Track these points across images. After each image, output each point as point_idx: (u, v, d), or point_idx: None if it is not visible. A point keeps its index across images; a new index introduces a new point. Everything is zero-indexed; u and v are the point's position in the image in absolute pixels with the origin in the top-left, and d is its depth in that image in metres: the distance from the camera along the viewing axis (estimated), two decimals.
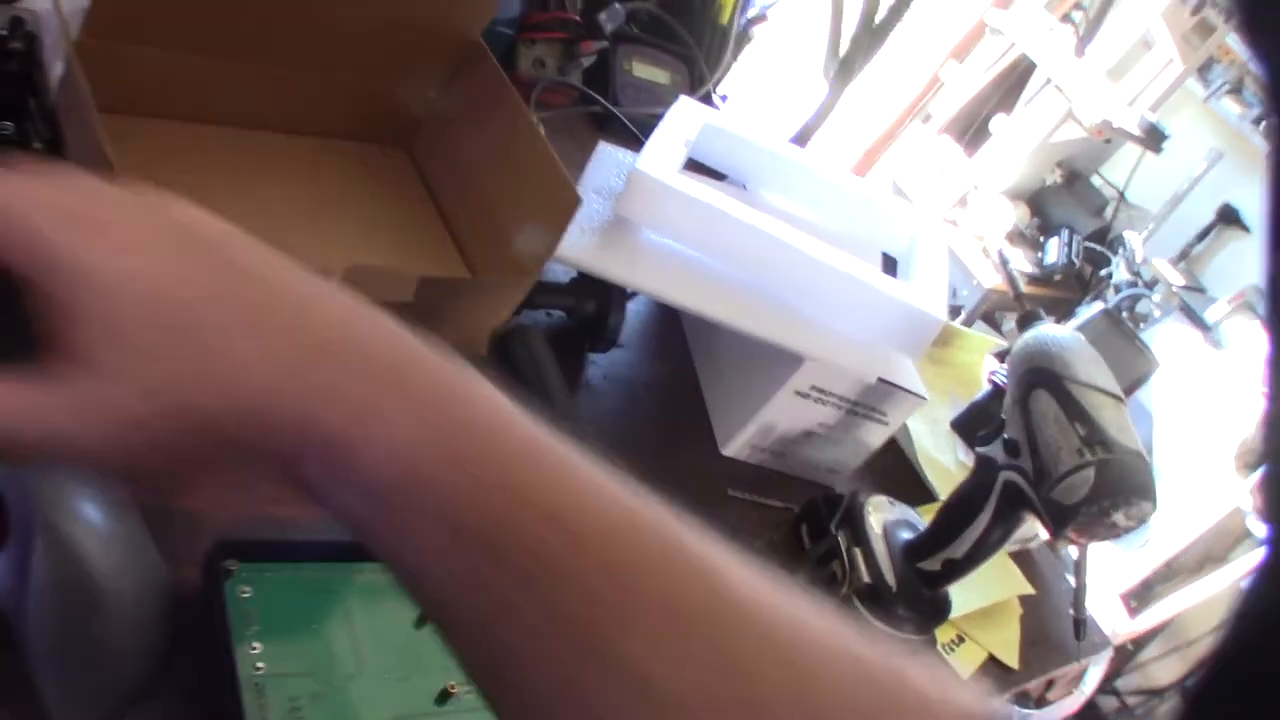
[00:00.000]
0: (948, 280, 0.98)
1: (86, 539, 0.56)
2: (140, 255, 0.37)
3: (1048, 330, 0.85)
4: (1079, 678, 1.33)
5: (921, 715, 0.37)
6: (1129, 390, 1.17)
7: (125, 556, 0.58)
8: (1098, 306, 1.16)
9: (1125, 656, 2.84)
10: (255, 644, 0.57)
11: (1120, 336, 1.16)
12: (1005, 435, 0.84)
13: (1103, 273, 2.67)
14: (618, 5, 1.19)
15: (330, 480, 0.37)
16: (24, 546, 0.53)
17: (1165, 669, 2.84)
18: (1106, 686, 2.85)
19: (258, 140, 0.87)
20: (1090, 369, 0.82)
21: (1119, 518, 0.78)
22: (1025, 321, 0.90)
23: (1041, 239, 2.67)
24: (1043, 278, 2.59)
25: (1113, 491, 0.76)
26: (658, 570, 0.39)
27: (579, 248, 0.86)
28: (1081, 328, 1.15)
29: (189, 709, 0.57)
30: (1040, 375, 0.81)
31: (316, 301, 0.40)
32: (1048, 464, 0.79)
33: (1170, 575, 2.46)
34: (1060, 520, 0.78)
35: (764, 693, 0.36)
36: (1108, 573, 2.33)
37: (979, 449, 0.87)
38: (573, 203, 0.78)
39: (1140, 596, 2.41)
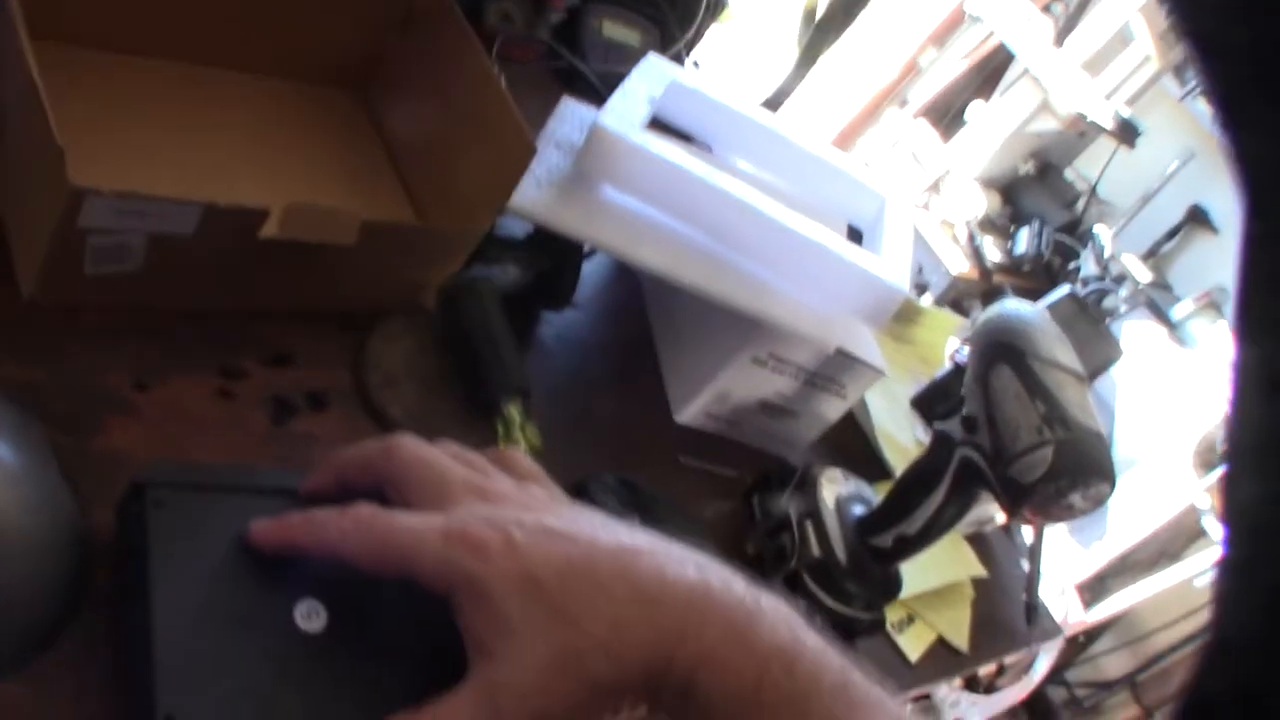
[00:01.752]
0: (912, 254, 0.96)
1: None
2: (512, 556, 0.49)
3: (1013, 306, 0.83)
4: (1029, 665, 1.32)
5: None
6: (1092, 376, 1.16)
7: (32, 495, 0.55)
8: (1065, 288, 1.14)
9: (1076, 648, 2.86)
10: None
11: (1086, 321, 1.15)
12: (964, 411, 0.82)
13: (1071, 265, 2.67)
14: None
15: (682, 704, 0.49)
16: None
17: (1116, 662, 2.86)
18: (1057, 677, 2.86)
19: (205, 76, 0.84)
20: (1054, 346, 0.80)
21: (1076, 499, 0.76)
22: (990, 297, 0.88)
23: (1012, 228, 2.66)
24: (1012, 266, 2.58)
25: (1071, 471, 0.74)
26: None
27: (535, 201, 0.83)
28: (1048, 308, 1.13)
29: (98, 653, 0.54)
30: (1003, 350, 0.79)
31: (668, 566, 0.50)
32: (1006, 441, 0.77)
33: (1124, 569, 2.48)
34: (1016, 499, 0.76)
35: None
36: (1063, 564, 2.33)
37: (936, 425, 0.85)
38: (528, 153, 0.75)
39: (1094, 589, 2.42)
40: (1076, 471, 0.74)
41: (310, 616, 0.55)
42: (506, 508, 0.53)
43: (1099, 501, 0.77)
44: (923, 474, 0.84)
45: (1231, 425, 0.33)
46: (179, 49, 0.82)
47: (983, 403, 0.80)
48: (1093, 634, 2.84)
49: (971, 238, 2.44)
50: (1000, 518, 1.22)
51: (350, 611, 0.55)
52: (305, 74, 0.88)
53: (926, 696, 1.45)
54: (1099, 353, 1.15)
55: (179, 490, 0.56)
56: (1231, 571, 0.33)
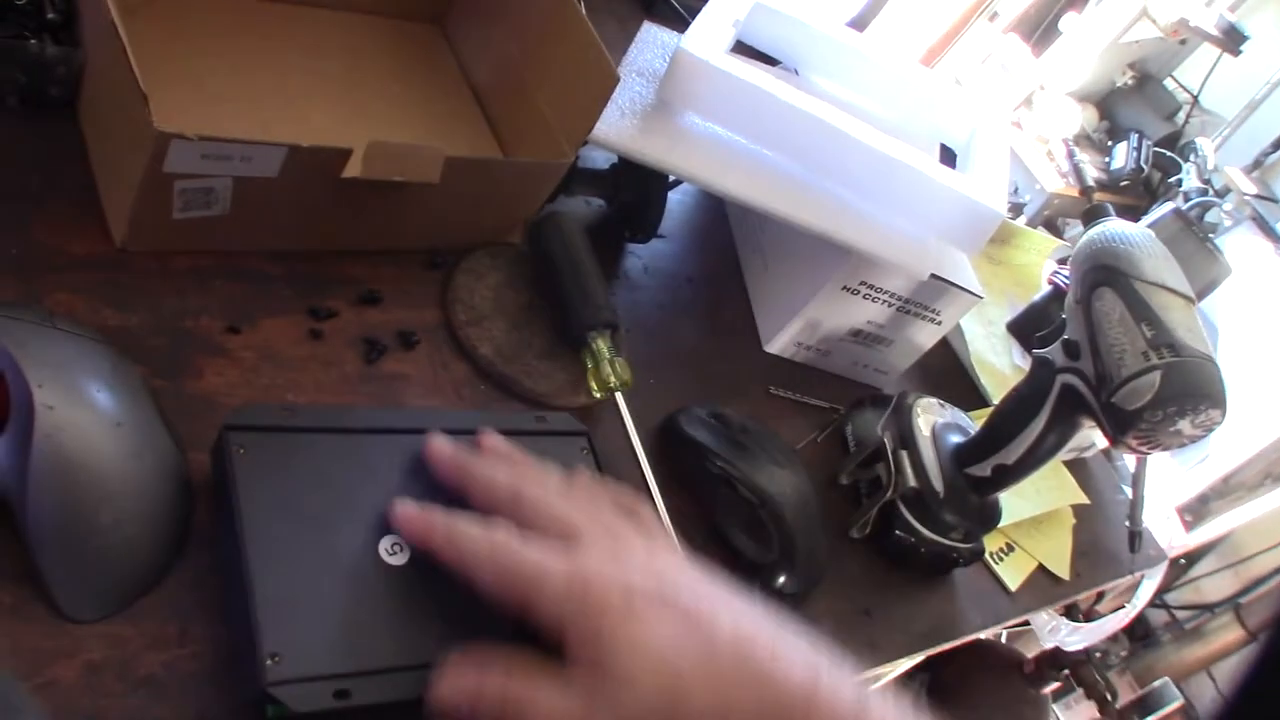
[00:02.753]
0: (1008, 175, 0.92)
1: (91, 423, 0.54)
2: (630, 622, 0.50)
3: (1115, 226, 0.80)
4: (1131, 591, 1.30)
5: None
6: (1199, 296, 1.11)
7: (132, 439, 0.55)
8: (1169, 206, 1.10)
9: (1177, 571, 2.81)
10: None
11: (1192, 238, 1.10)
12: (1065, 336, 0.79)
13: (1172, 179, 2.57)
14: None
15: None
16: (24, 429, 0.51)
17: (1217, 585, 2.80)
18: (1157, 600, 2.82)
19: (283, 13, 0.83)
20: (1160, 267, 0.76)
21: (1185, 425, 0.73)
22: (1092, 217, 0.84)
23: (1109, 143, 2.56)
24: (1109, 183, 2.49)
25: (1180, 397, 0.71)
26: None
27: (618, 130, 0.81)
28: (1151, 227, 1.09)
29: (201, 593, 0.55)
30: (1106, 273, 0.76)
31: (781, 659, 0.50)
32: (1110, 366, 0.74)
33: (1227, 491, 2.41)
34: (1122, 426, 0.74)
35: None
36: (1164, 486, 2.28)
37: (1036, 351, 0.83)
38: (610, 81, 0.74)
39: (1196, 511, 2.36)
40: (1185, 397, 0.71)
41: (394, 551, 0.56)
42: (633, 561, 0.53)
43: (1209, 428, 0.74)
44: (1022, 401, 0.82)
45: None
46: None
47: (1085, 327, 0.77)
48: (1194, 556, 2.78)
49: (1070, 154, 2.35)
50: (1101, 442, 1.20)
51: None
52: (384, 7, 0.87)
53: (1025, 623, 1.43)
54: (1206, 272, 1.11)
55: (265, 432, 0.57)
56: None
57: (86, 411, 0.54)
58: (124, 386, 0.57)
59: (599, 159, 0.91)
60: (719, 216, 1.04)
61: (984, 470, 0.83)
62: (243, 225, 0.68)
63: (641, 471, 0.77)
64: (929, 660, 1.48)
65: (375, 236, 0.74)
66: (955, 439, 0.87)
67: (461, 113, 0.86)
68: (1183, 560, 2.81)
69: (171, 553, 0.56)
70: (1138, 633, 2.77)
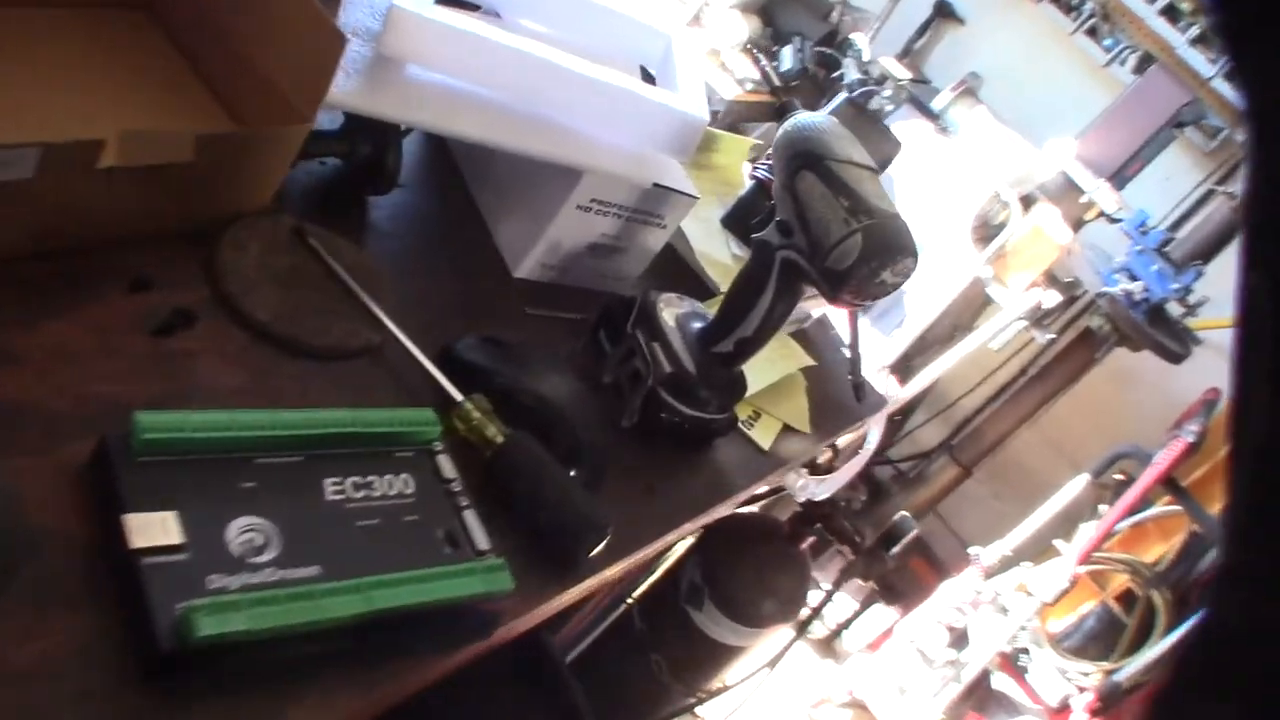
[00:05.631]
0: (705, 84, 1.03)
1: None
2: None
3: (805, 117, 0.91)
4: (861, 442, 1.46)
5: None
6: (881, 168, 1.27)
7: None
8: (841, 95, 1.23)
9: (894, 427, 3.09)
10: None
11: (865, 120, 1.25)
12: (777, 218, 0.91)
13: (835, 75, 2.79)
14: None
15: None
16: None
17: (931, 433, 3.12)
18: (881, 457, 3.10)
19: None
20: (846, 146, 0.89)
21: (887, 275, 0.86)
22: (782, 112, 0.95)
23: (775, 48, 2.75)
24: (781, 86, 2.68)
25: (879, 252, 0.84)
26: None
27: (347, 90, 0.85)
28: (831, 114, 1.22)
29: (55, 598, 0.58)
30: (804, 158, 0.88)
31: None
32: (819, 237, 0.86)
33: (925, 347, 2.68)
34: (836, 286, 0.86)
35: None
36: (873, 350, 2.51)
37: (754, 236, 0.94)
38: (338, 42, 0.78)
39: (902, 370, 2.62)
40: (885, 251, 0.84)
41: None
42: None
43: (907, 274, 0.87)
44: (750, 280, 0.93)
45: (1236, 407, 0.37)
46: None
47: (793, 207, 0.88)
48: (907, 411, 3.07)
49: (757, 60, 2.51)
50: (817, 312, 1.34)
51: None
52: None
53: (781, 490, 1.59)
54: (882, 148, 1.26)
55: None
56: (1242, 507, 0.36)
57: None
58: None
59: (325, 120, 0.95)
60: (447, 160, 1.10)
61: (728, 346, 0.94)
62: (8, 229, 0.69)
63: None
64: (699, 543, 1.62)
65: (133, 223, 0.76)
66: (698, 324, 0.98)
67: (187, 91, 0.87)
68: (898, 417, 3.09)
69: (9, 555, 0.58)
70: (870, 489, 3.05)
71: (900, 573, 2.76)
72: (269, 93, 0.83)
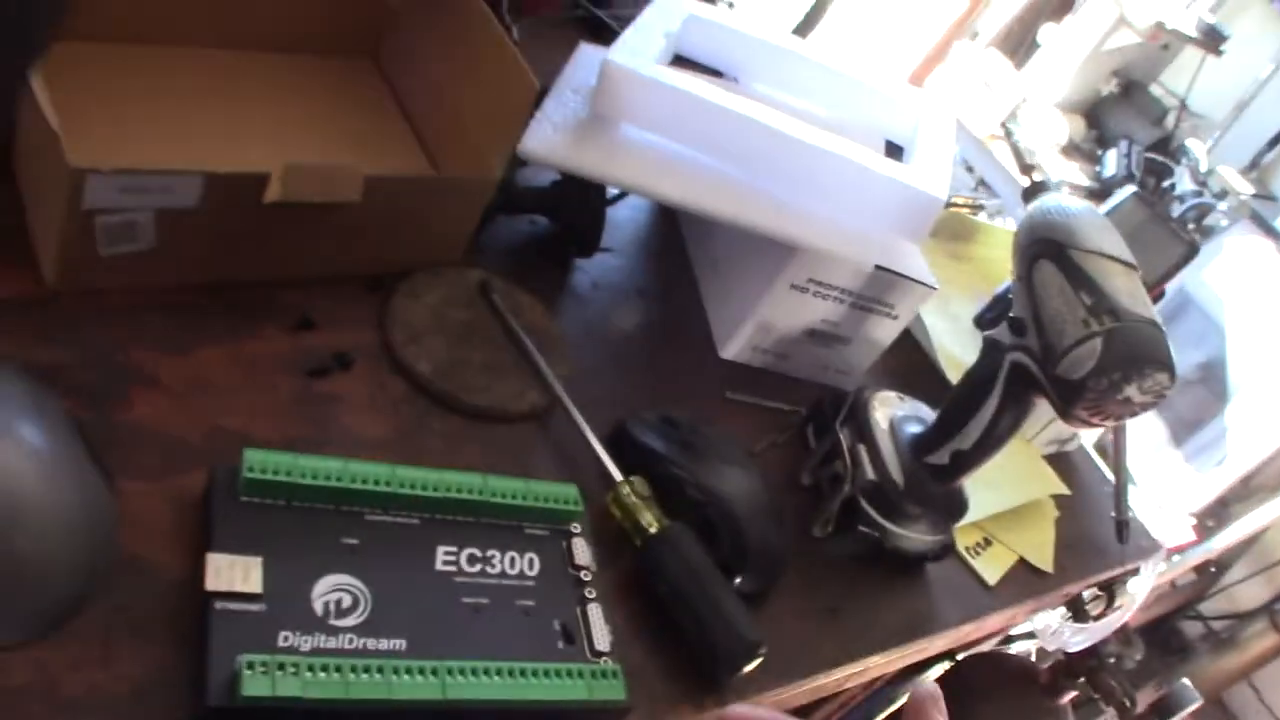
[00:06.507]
0: (952, 163, 0.92)
1: (11, 452, 0.54)
2: None
3: (1053, 199, 0.79)
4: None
5: None
6: (1168, 276, 1.11)
7: (50, 467, 0.55)
8: (1128, 189, 1.09)
9: (1209, 580, 2.76)
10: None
11: (1154, 220, 1.09)
12: (1011, 314, 0.79)
13: (1166, 184, 2.56)
14: None
15: None
16: None
17: (1251, 591, 2.75)
18: (1191, 611, 2.77)
19: (212, 60, 0.84)
20: (1097, 236, 0.76)
21: (1132, 391, 0.71)
22: (1033, 194, 0.83)
23: (1099, 151, 2.56)
24: (1101, 191, 2.48)
25: (1123, 362, 0.70)
26: None
27: (552, 144, 0.82)
28: (1110, 212, 1.08)
29: (123, 617, 0.55)
30: (1044, 245, 0.76)
31: None
32: (1053, 338, 0.73)
33: (1249, 493, 2.37)
34: (1068, 398, 0.73)
35: None
36: (1180, 488, 2.25)
37: (986, 332, 0.82)
38: (529, 91, 0.74)
39: (1217, 515, 2.32)
40: (1130, 362, 0.70)
41: None
42: None
43: (1159, 394, 0.73)
44: (973, 384, 0.81)
45: None
46: (185, 34, 0.82)
47: (1028, 302, 0.76)
48: (1225, 564, 2.73)
49: (1008, 133, 2.35)
50: (1086, 436, 1.18)
51: None
52: (315, 44, 0.88)
53: (1031, 634, 1.41)
54: (1171, 251, 1.09)
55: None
56: None
57: (6, 440, 0.54)
58: (42, 416, 0.58)
59: (541, 177, 0.92)
60: (671, 230, 1.04)
61: (942, 458, 0.82)
62: (171, 258, 0.68)
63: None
64: (941, 677, 1.46)
65: (308, 263, 0.75)
66: (914, 429, 0.86)
67: (396, 141, 0.87)
68: (1213, 569, 2.76)
69: (93, 578, 0.56)
70: (1173, 644, 2.72)
71: None
72: (463, 141, 0.81)
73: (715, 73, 1.02)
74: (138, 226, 0.66)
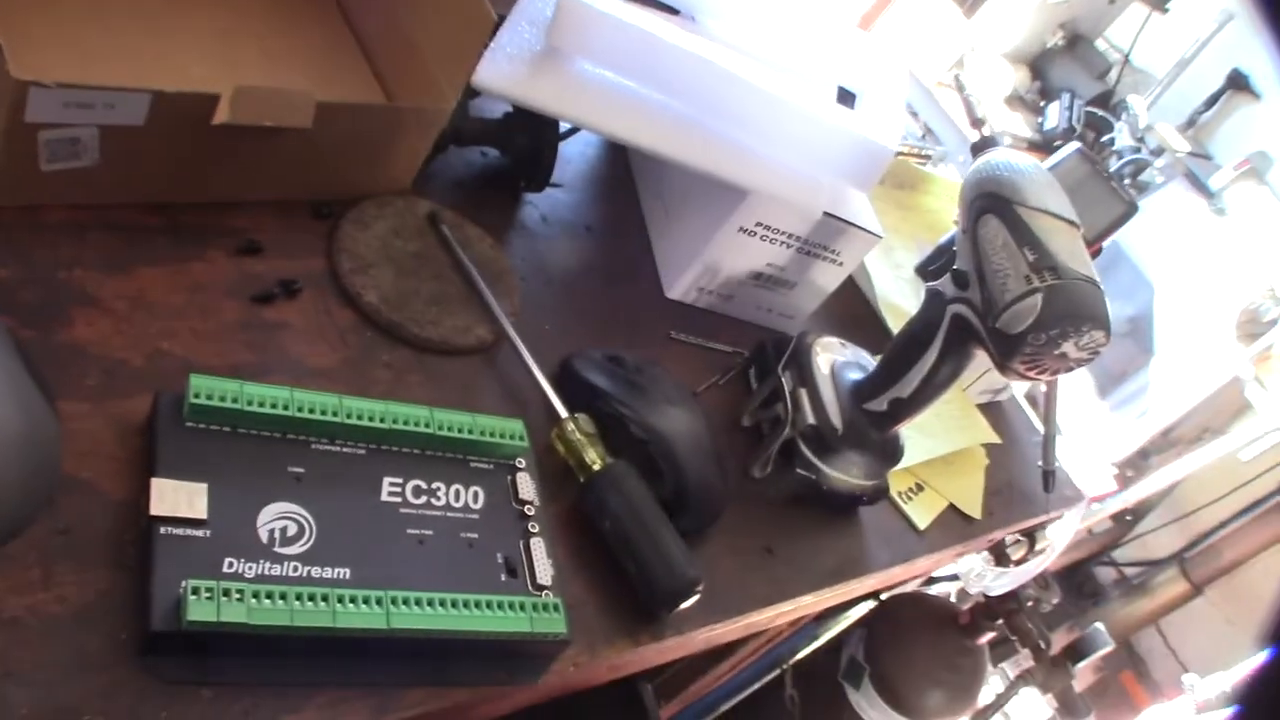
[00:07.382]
0: (903, 114, 0.93)
1: None
2: None
3: (1001, 155, 0.80)
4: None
5: None
6: (1107, 233, 1.13)
7: None
8: (1073, 146, 1.10)
9: (1125, 528, 2.84)
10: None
11: (1096, 177, 1.11)
12: (955, 266, 0.80)
13: (1105, 139, 2.59)
14: None
15: None
16: None
17: (1164, 540, 2.84)
18: (1105, 557, 2.85)
19: None
20: (1043, 193, 0.77)
21: (1069, 347, 0.73)
22: (980, 148, 0.84)
23: (1042, 103, 2.58)
24: (1043, 143, 2.51)
25: (1062, 318, 0.72)
26: None
27: (506, 77, 0.80)
28: (1054, 168, 1.10)
29: (64, 539, 0.55)
30: (990, 200, 0.77)
31: None
32: (995, 292, 0.75)
33: (1167, 445, 2.44)
34: (1007, 351, 0.74)
35: None
36: (1102, 438, 2.30)
37: (928, 284, 0.83)
38: (486, 22, 0.73)
39: (1137, 466, 2.39)
40: (1067, 318, 0.72)
41: None
42: None
43: (1094, 351, 0.74)
44: (914, 334, 0.82)
45: None
46: None
47: (972, 255, 0.77)
48: (1140, 512, 2.81)
49: (960, 86, 2.36)
50: (1017, 385, 1.21)
51: None
52: None
53: (954, 577, 1.45)
54: (1111, 208, 1.11)
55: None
56: None
57: None
58: None
59: (493, 109, 0.91)
60: (623, 167, 1.04)
61: (881, 405, 0.84)
62: (115, 176, 0.67)
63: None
64: (868, 617, 1.50)
65: (254, 186, 0.74)
66: (854, 376, 0.87)
67: (348, 64, 0.85)
68: (1129, 517, 2.84)
69: (34, 498, 0.55)
70: (1087, 588, 2.81)
71: (1097, 689, 2.52)
72: (417, 70, 0.80)
73: (672, 10, 1.01)
74: (81, 143, 0.65)
